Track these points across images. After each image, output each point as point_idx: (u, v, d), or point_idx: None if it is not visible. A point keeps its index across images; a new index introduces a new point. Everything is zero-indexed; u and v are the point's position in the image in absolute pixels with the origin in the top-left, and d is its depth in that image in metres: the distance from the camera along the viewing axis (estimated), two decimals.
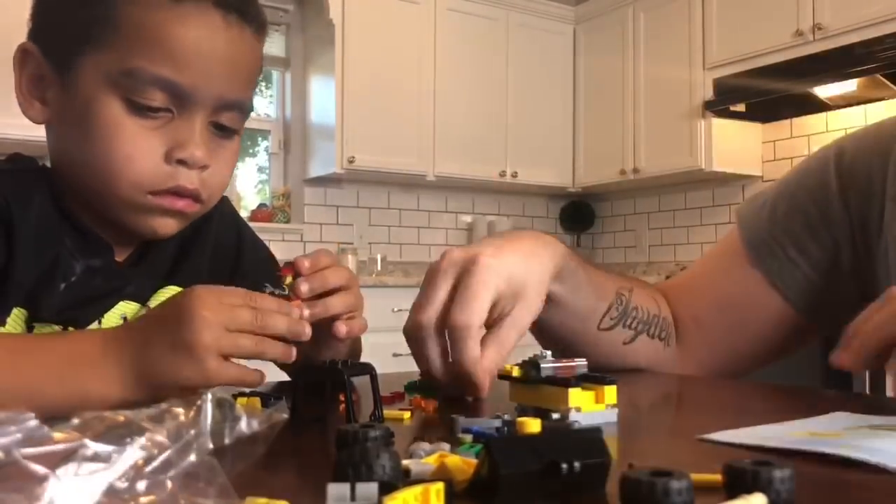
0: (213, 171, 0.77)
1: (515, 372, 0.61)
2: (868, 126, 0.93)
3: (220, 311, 0.60)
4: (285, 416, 0.54)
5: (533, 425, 0.49)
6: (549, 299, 0.79)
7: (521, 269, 0.74)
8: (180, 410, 0.37)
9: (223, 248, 0.91)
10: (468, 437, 0.48)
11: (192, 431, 0.32)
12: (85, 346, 0.63)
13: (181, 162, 0.74)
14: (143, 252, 0.85)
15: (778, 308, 0.89)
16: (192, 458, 0.31)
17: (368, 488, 0.31)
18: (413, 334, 0.72)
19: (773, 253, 0.90)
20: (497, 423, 0.51)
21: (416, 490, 0.32)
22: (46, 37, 0.77)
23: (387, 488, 0.33)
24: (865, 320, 0.64)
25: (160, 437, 0.31)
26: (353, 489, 0.31)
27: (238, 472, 0.41)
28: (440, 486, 0.32)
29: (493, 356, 0.70)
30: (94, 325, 0.79)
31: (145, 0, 0.73)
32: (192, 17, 0.73)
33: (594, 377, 0.60)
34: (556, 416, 0.57)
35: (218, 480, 0.31)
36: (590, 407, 0.58)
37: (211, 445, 0.34)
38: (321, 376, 0.62)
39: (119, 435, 0.31)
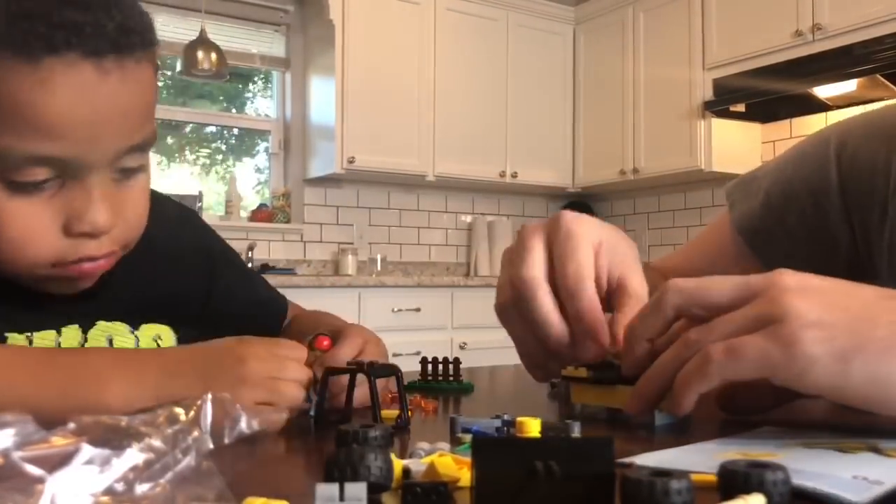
0: (125, 221, 0.68)
1: (583, 372, 0.59)
2: (872, 114, 0.87)
3: (268, 361, 0.58)
4: (285, 416, 0.54)
5: (533, 426, 0.48)
6: None
7: (612, 237, 0.62)
8: (180, 411, 0.37)
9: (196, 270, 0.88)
10: (468, 437, 0.48)
11: (190, 438, 0.32)
12: (95, 361, 0.60)
13: (83, 234, 0.65)
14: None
15: None
16: (190, 461, 0.31)
17: (357, 488, 0.31)
18: (521, 293, 0.59)
19: (768, 242, 0.87)
20: (497, 422, 0.51)
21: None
22: None
23: (376, 489, 0.32)
24: (655, 362, 0.52)
25: (157, 443, 0.31)
26: (341, 489, 0.31)
27: (237, 471, 0.41)
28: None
29: (630, 311, 0.58)
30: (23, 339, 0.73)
31: None
32: (58, 77, 0.59)
33: None
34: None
35: (215, 484, 0.31)
36: None
37: (211, 445, 0.34)
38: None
39: (116, 439, 0.31)
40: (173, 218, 0.90)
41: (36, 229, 0.63)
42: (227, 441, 0.38)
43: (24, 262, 0.65)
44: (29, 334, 0.73)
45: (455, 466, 0.38)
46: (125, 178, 0.68)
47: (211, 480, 0.31)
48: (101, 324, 0.78)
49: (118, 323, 0.79)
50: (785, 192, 0.87)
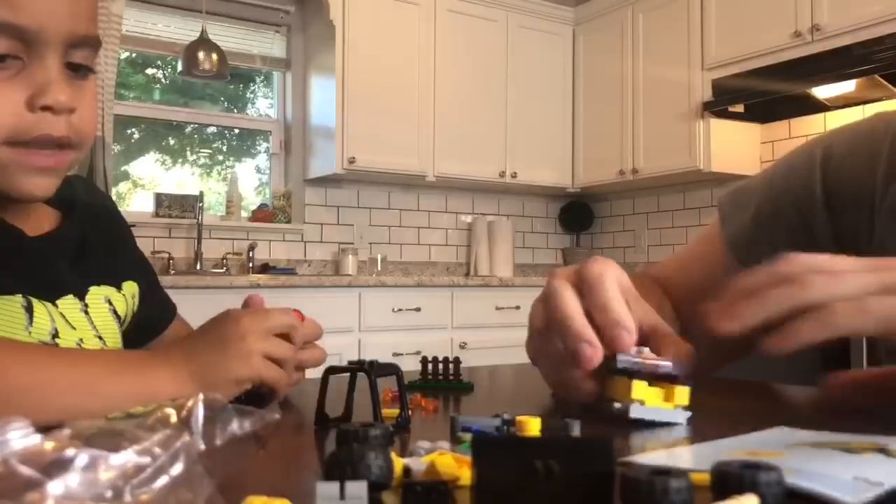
0: (80, 115, 0.73)
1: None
2: (859, 124, 0.86)
3: (261, 317, 0.67)
4: (277, 416, 0.53)
5: (533, 425, 0.49)
6: None
7: (632, 286, 0.65)
8: (171, 411, 0.37)
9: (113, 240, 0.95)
10: (468, 436, 0.49)
11: (179, 442, 0.32)
12: (134, 353, 0.68)
13: (46, 108, 0.70)
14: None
15: None
16: (181, 466, 0.31)
17: (358, 487, 0.31)
18: (549, 299, 0.61)
19: (756, 259, 0.88)
20: (497, 422, 0.51)
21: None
22: None
23: (377, 487, 0.33)
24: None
25: (151, 447, 0.31)
26: (342, 488, 0.31)
27: (238, 471, 0.41)
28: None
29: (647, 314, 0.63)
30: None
31: None
32: None
33: (671, 377, 0.58)
34: (617, 406, 0.57)
35: (205, 489, 0.31)
36: (655, 402, 0.57)
37: (202, 446, 0.34)
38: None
39: (112, 444, 0.31)
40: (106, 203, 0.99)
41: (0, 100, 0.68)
42: (218, 442, 0.38)
43: None
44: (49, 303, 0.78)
45: (455, 465, 0.39)
46: (76, 75, 0.73)
47: (201, 485, 0.31)
48: (93, 289, 0.83)
49: (105, 286, 0.85)
50: (773, 207, 0.87)
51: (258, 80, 4.54)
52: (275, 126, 4.40)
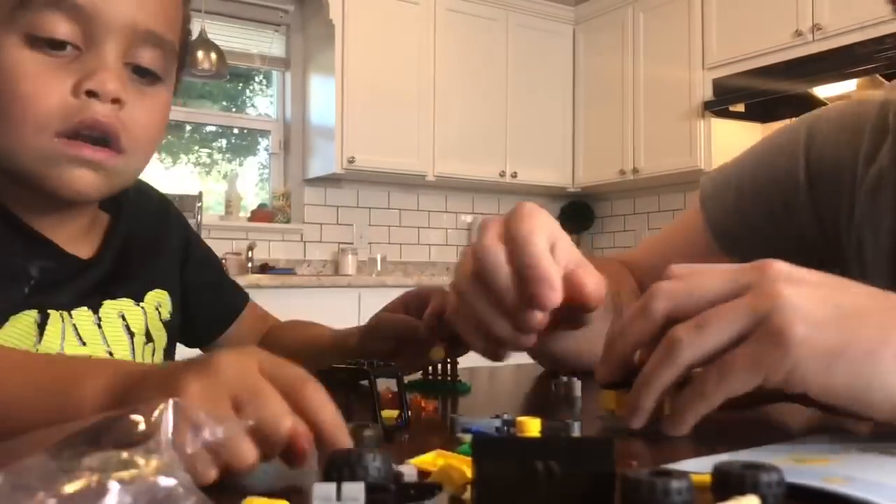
0: (133, 115, 0.70)
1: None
2: (844, 107, 0.85)
3: (223, 376, 0.41)
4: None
5: (533, 425, 0.48)
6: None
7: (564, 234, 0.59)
8: (139, 418, 0.35)
9: (176, 250, 0.93)
10: (468, 437, 0.48)
11: (167, 455, 0.31)
12: (72, 368, 0.51)
13: (91, 94, 0.67)
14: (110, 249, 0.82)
15: None
16: (172, 481, 0.30)
17: (354, 488, 0.31)
18: (479, 256, 0.55)
19: (738, 242, 0.85)
20: (497, 422, 0.51)
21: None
22: None
23: (374, 489, 0.32)
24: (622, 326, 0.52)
25: (155, 474, 0.30)
26: (338, 489, 0.31)
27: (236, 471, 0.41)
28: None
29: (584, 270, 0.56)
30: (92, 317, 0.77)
31: None
32: None
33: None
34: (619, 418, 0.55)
35: (195, 498, 0.30)
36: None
37: (175, 455, 0.33)
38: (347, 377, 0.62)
39: (128, 473, 0.30)
40: (156, 209, 0.95)
41: (46, 84, 0.66)
42: (189, 450, 0.36)
43: (32, 120, 0.66)
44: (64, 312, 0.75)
45: (467, 469, 0.38)
46: (143, 80, 0.71)
47: (189, 495, 0.30)
48: (107, 303, 0.80)
49: (123, 299, 0.82)
50: (755, 190, 0.86)
51: (257, 79, 4.54)
52: (274, 126, 4.40)
